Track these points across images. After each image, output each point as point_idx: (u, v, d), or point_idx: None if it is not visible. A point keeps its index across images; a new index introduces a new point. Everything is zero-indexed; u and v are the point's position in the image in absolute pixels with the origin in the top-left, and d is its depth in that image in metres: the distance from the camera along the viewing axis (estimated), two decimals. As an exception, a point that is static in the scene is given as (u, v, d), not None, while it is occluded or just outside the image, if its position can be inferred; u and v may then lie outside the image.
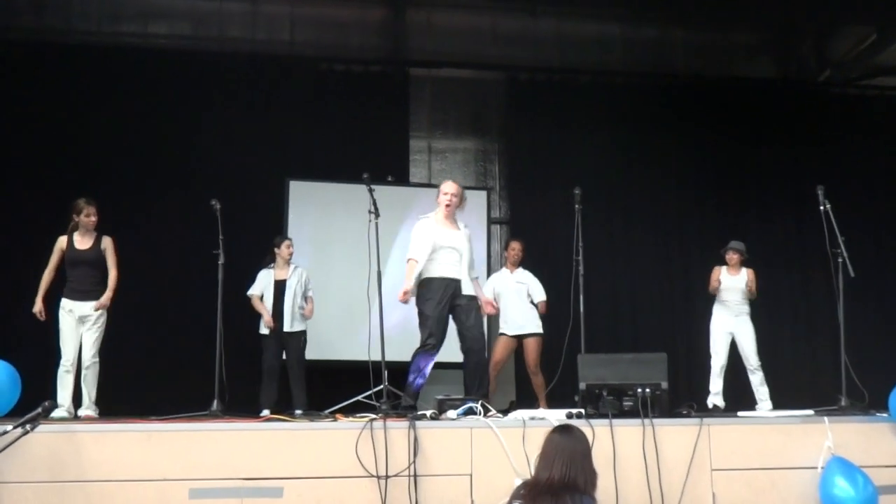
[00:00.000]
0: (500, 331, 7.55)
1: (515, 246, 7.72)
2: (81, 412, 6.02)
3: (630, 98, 9.44)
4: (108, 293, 6.22)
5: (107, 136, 8.35)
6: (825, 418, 4.91)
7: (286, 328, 7.13)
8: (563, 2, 9.39)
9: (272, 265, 7.27)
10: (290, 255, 7.28)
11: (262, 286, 7.22)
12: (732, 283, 7.51)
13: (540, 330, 7.46)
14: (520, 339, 7.49)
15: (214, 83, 8.69)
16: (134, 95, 8.46)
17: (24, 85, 8.33)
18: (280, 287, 7.18)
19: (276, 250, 7.28)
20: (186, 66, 8.74)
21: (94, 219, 6.24)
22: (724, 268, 7.57)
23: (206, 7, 9.22)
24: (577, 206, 6.38)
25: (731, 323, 7.50)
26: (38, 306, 6.17)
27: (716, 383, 7.43)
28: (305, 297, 7.28)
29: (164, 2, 9.16)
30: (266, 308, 7.13)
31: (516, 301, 7.48)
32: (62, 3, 8.96)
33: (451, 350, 7.49)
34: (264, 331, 7.10)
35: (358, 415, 4.93)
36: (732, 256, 7.53)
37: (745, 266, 7.56)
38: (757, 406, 7.29)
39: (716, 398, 7.40)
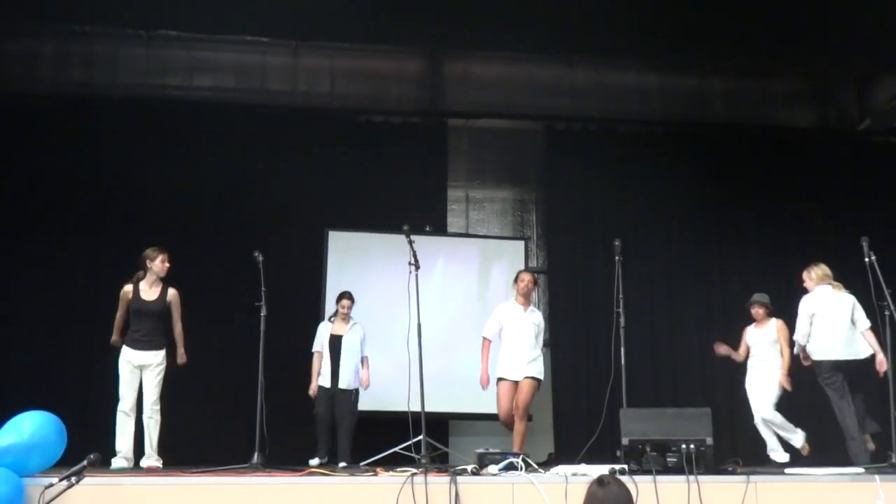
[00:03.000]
0: (500, 375, 6.74)
1: (526, 277, 6.98)
2: (144, 462, 6.04)
3: (668, 147, 9.42)
4: (182, 350, 6.35)
5: (149, 186, 8.50)
6: (876, 476, 4.80)
7: (340, 385, 7.12)
8: (599, 52, 9.41)
9: (332, 319, 7.34)
10: (347, 312, 7.31)
11: (321, 341, 7.27)
12: (761, 338, 7.28)
13: (541, 376, 6.82)
14: (516, 383, 6.74)
15: (256, 135, 8.84)
16: (177, 147, 8.61)
17: (71, 137, 8.54)
18: (335, 343, 7.20)
19: (336, 306, 7.37)
20: (229, 117, 8.91)
21: (169, 265, 6.35)
22: (750, 327, 7.39)
23: (250, 60, 9.41)
24: (617, 257, 6.35)
25: (760, 376, 7.23)
26: (115, 337, 6.28)
27: (770, 438, 7.15)
28: (361, 359, 7.33)
29: (209, 55, 9.35)
30: (319, 372, 7.17)
31: (527, 341, 6.80)
32: (110, 57, 9.19)
33: (489, 402, 7.45)
34: (321, 382, 7.12)
35: (399, 469, 4.90)
36: (758, 311, 7.31)
37: (773, 316, 7.32)
38: (771, 454, 7.09)
39: (775, 453, 7.12)
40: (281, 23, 8.12)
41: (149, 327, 6.22)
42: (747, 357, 7.40)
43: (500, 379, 6.77)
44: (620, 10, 7.64)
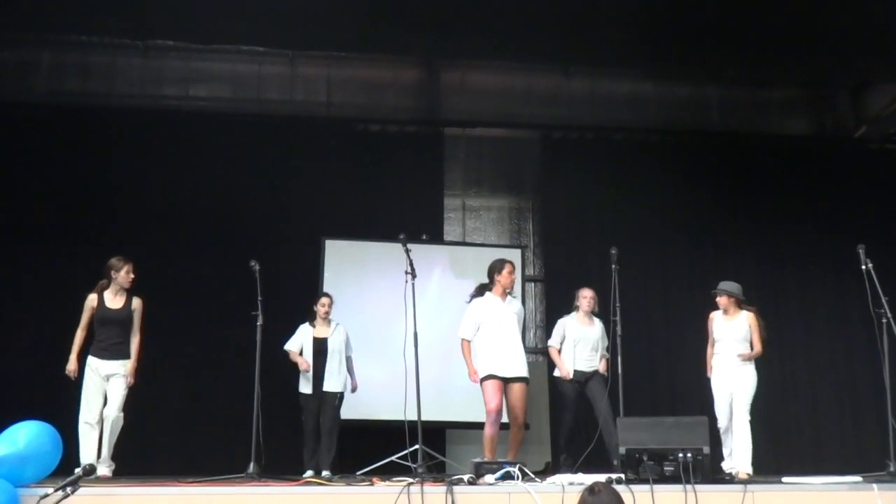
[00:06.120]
0: (488, 373, 6.35)
1: (511, 269, 6.66)
2: (98, 469, 5.91)
3: (665, 156, 9.43)
4: (134, 363, 6.21)
5: (145, 196, 8.49)
6: (874, 485, 4.79)
7: (325, 388, 6.93)
8: (595, 61, 9.42)
9: (313, 322, 7.14)
10: (326, 313, 7.12)
11: (299, 342, 7.08)
12: (727, 331, 6.55)
13: (527, 374, 6.52)
14: (505, 382, 6.39)
15: (252, 144, 8.83)
16: (173, 157, 8.60)
17: (67, 146, 8.54)
18: (319, 345, 7.04)
19: (314, 308, 7.19)
20: (225, 127, 8.90)
21: (133, 276, 6.31)
22: (717, 312, 6.65)
23: (246, 70, 9.43)
24: (613, 265, 6.35)
25: (729, 376, 6.48)
26: (72, 365, 6.17)
27: (728, 445, 6.44)
28: (348, 359, 7.15)
29: (205, 65, 9.37)
30: (302, 359, 6.97)
31: (513, 335, 6.49)
32: (106, 67, 9.21)
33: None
34: (304, 389, 6.94)
35: (395, 478, 4.89)
36: (720, 300, 6.59)
37: (744, 309, 6.61)
38: (724, 463, 6.39)
39: (730, 461, 6.40)
40: (277, 32, 8.13)
41: (114, 336, 6.18)
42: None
43: (487, 377, 6.34)
44: (616, 19, 7.65)
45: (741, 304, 6.60)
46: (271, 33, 8.22)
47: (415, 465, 5.24)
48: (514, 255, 8.87)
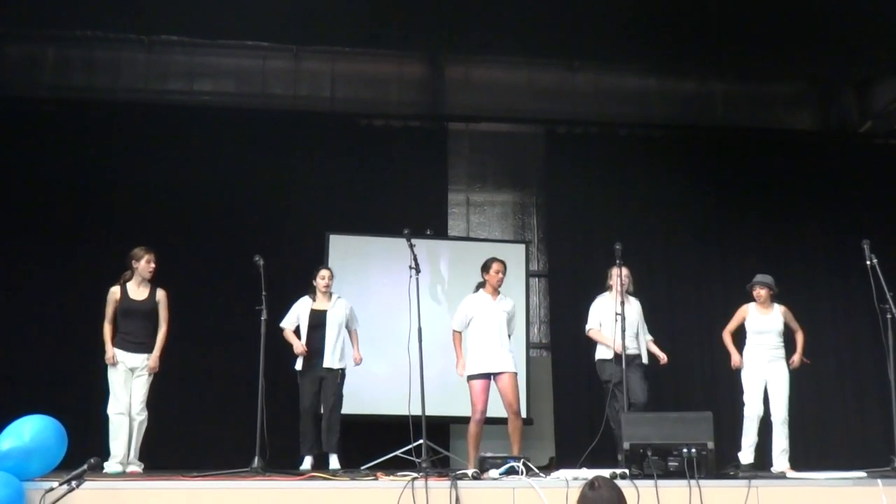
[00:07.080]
0: (472, 372, 6.47)
1: (498, 268, 6.71)
2: (127, 467, 6.01)
3: (669, 151, 9.41)
4: (157, 352, 6.21)
5: (150, 191, 8.49)
6: (878, 480, 4.79)
7: (325, 364, 6.62)
8: (600, 55, 9.42)
9: (313, 296, 6.89)
10: (326, 286, 6.85)
11: (295, 317, 6.81)
12: (765, 324, 6.75)
13: (515, 368, 6.58)
14: (492, 376, 6.51)
15: (256, 139, 8.84)
16: (178, 151, 8.61)
17: (72, 141, 8.55)
18: (317, 318, 6.74)
19: (313, 283, 6.95)
20: (230, 122, 8.90)
21: (154, 266, 6.31)
22: (752, 305, 6.84)
23: (250, 65, 9.43)
24: (617, 261, 6.35)
25: (764, 368, 6.69)
26: (109, 353, 6.12)
27: (749, 436, 6.66)
28: (350, 332, 6.94)
29: (210, 60, 9.38)
30: (296, 338, 6.72)
31: (497, 331, 6.56)
32: (111, 62, 9.22)
33: (490, 406, 7.44)
34: (299, 366, 6.69)
35: (399, 473, 4.90)
36: (760, 292, 6.77)
37: (776, 302, 6.83)
38: (773, 468, 6.54)
39: (748, 452, 6.65)
40: (281, 27, 8.13)
41: (139, 328, 6.18)
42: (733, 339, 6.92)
43: (472, 377, 6.46)
44: (621, 14, 7.64)
45: (773, 297, 6.83)
46: (275, 28, 8.23)
47: (419, 460, 5.24)
48: (518, 251, 8.90)
